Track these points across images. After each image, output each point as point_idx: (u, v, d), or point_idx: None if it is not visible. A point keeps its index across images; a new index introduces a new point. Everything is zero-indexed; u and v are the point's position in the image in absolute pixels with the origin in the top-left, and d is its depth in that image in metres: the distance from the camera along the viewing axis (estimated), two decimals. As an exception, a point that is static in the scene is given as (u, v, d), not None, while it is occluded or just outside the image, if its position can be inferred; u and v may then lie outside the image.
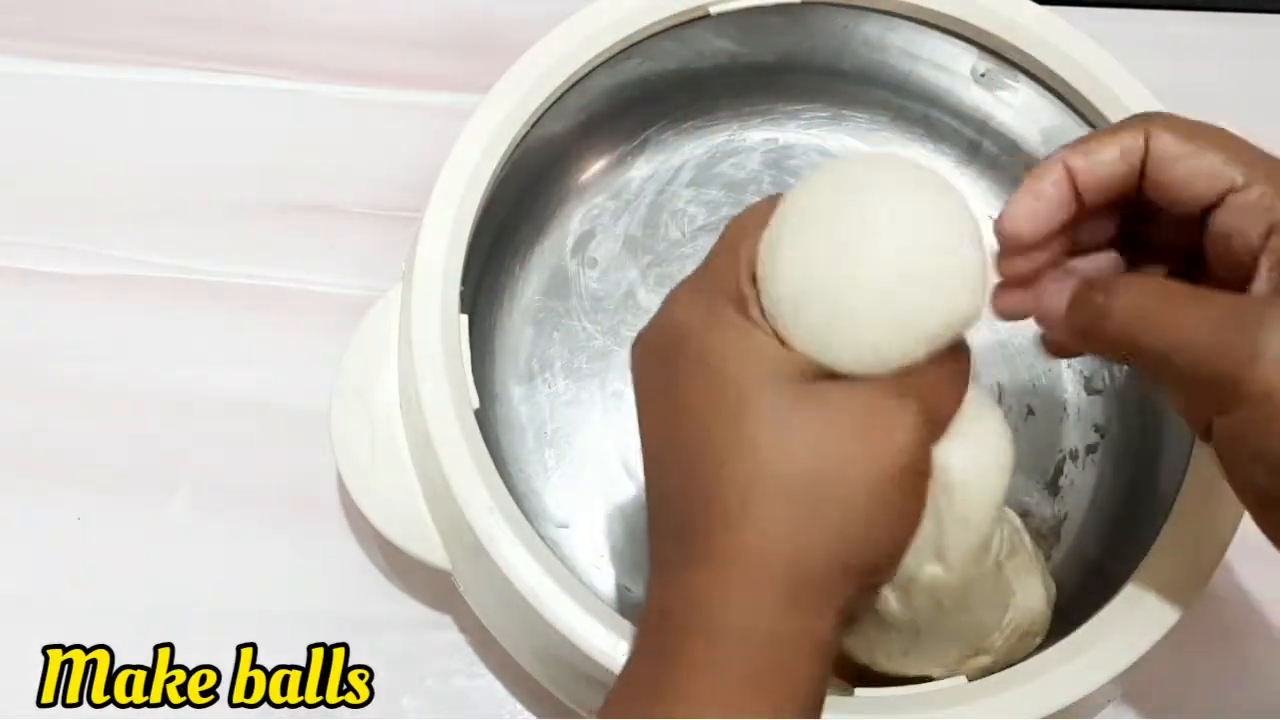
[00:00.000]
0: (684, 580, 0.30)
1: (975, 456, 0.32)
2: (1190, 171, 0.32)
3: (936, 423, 0.31)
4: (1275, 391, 0.28)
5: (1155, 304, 0.30)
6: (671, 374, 0.31)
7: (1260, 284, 0.31)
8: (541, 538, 0.39)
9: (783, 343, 0.31)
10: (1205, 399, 0.30)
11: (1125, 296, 0.31)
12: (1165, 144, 0.32)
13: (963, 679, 0.37)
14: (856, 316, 0.30)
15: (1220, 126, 0.32)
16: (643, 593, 0.45)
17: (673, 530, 0.31)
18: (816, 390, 0.30)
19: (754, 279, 0.31)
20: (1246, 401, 0.29)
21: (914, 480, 0.30)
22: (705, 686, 0.29)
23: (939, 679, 0.38)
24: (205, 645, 0.46)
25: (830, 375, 0.31)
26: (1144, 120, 0.33)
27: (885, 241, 0.30)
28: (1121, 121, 0.33)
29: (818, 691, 0.30)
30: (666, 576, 0.31)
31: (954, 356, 0.32)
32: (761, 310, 0.31)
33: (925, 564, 0.33)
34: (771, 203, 0.33)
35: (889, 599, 0.34)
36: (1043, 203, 0.33)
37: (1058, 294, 0.33)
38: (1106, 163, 0.32)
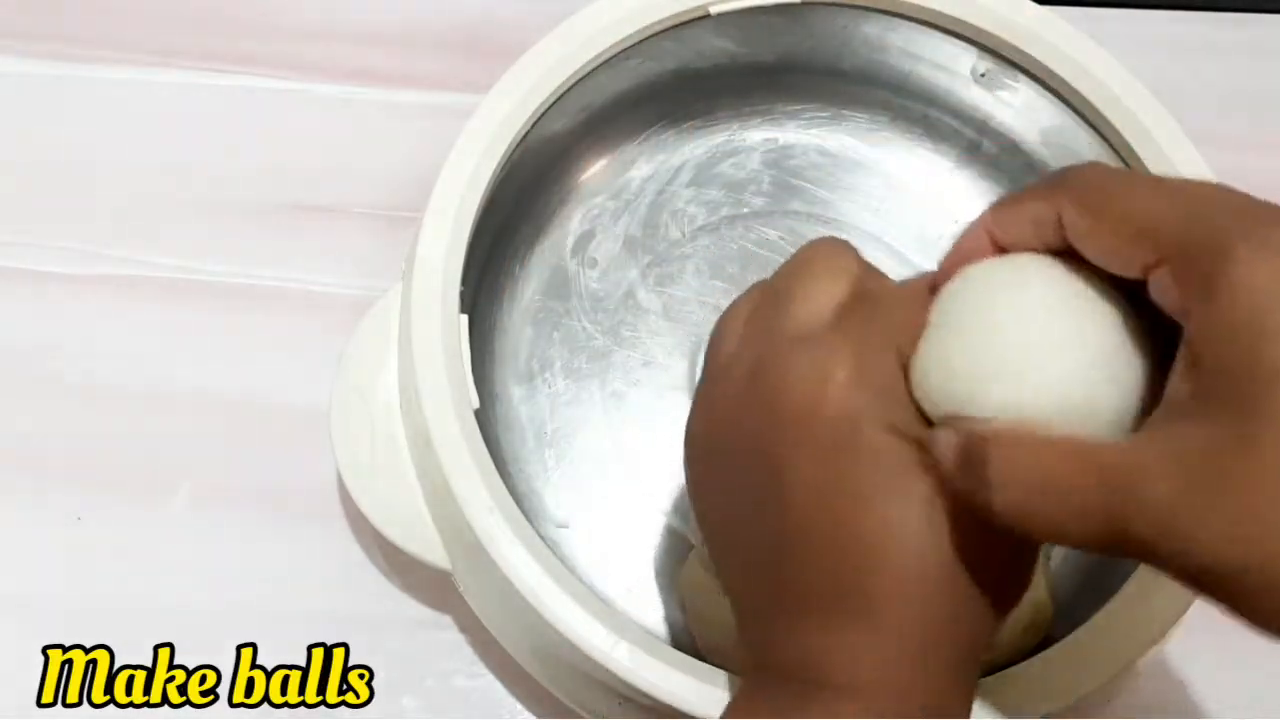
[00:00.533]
0: (834, 640, 0.29)
1: None
2: (1099, 251, 0.28)
3: None
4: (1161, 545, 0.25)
5: (1056, 466, 0.27)
6: (834, 452, 0.30)
7: (1168, 396, 0.27)
8: (541, 538, 0.39)
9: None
10: (1114, 555, 0.28)
11: (1020, 462, 0.27)
12: (1070, 219, 0.29)
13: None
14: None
15: (1144, 178, 0.29)
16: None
17: (813, 588, 0.30)
18: None
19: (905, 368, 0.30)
20: (1144, 555, 0.26)
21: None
22: None
23: None
24: (205, 645, 0.46)
25: None
26: (1057, 186, 0.29)
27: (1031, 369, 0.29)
28: (1037, 184, 0.30)
29: None
30: (800, 632, 0.30)
31: None
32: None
33: None
34: (914, 300, 0.31)
35: None
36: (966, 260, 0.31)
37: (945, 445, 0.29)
38: (1020, 232, 0.30)
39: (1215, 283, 0.25)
